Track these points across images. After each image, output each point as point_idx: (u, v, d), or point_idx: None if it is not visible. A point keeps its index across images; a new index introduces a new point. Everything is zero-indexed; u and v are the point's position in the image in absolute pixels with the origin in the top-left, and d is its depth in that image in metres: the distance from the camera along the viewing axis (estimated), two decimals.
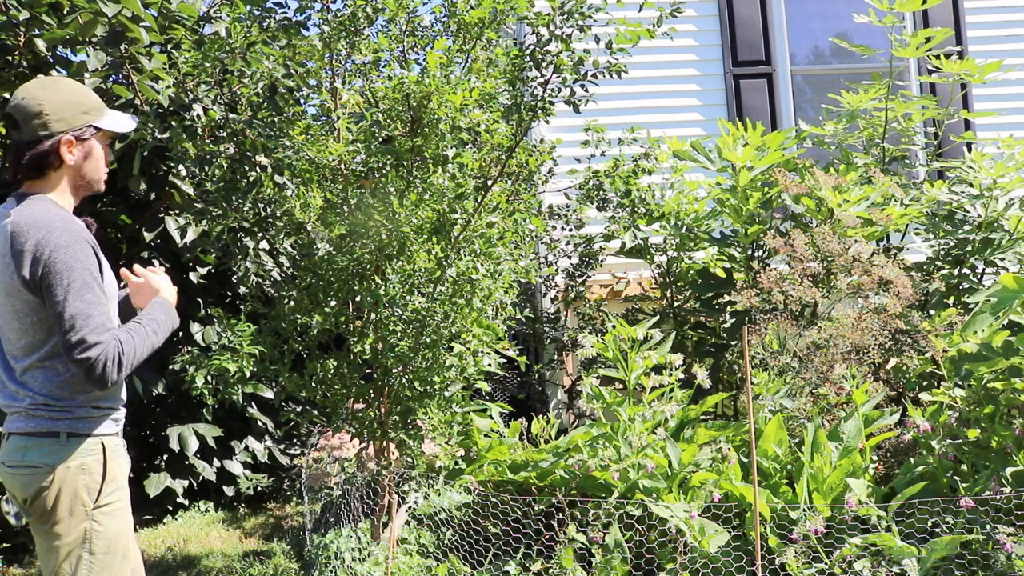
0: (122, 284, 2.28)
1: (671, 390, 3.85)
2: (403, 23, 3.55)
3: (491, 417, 4.39)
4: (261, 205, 3.68)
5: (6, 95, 4.09)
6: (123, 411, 2.14)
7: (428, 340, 3.46)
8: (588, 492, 3.59)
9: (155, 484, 4.83)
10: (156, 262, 2.40)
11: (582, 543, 3.35)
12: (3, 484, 2.03)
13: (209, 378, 3.42)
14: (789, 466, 3.48)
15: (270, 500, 5.39)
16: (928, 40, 4.86)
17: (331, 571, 3.51)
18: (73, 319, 1.89)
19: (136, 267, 2.28)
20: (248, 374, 3.36)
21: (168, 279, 2.29)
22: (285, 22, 3.52)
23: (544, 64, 3.46)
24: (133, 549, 2.14)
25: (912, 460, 3.45)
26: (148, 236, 4.68)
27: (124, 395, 2.16)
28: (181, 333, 4.94)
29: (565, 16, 3.43)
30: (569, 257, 5.73)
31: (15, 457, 1.96)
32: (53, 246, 1.90)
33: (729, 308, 4.69)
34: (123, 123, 2.16)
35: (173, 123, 3.74)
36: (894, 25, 4.94)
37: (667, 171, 5.55)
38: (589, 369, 5.00)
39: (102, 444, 2.01)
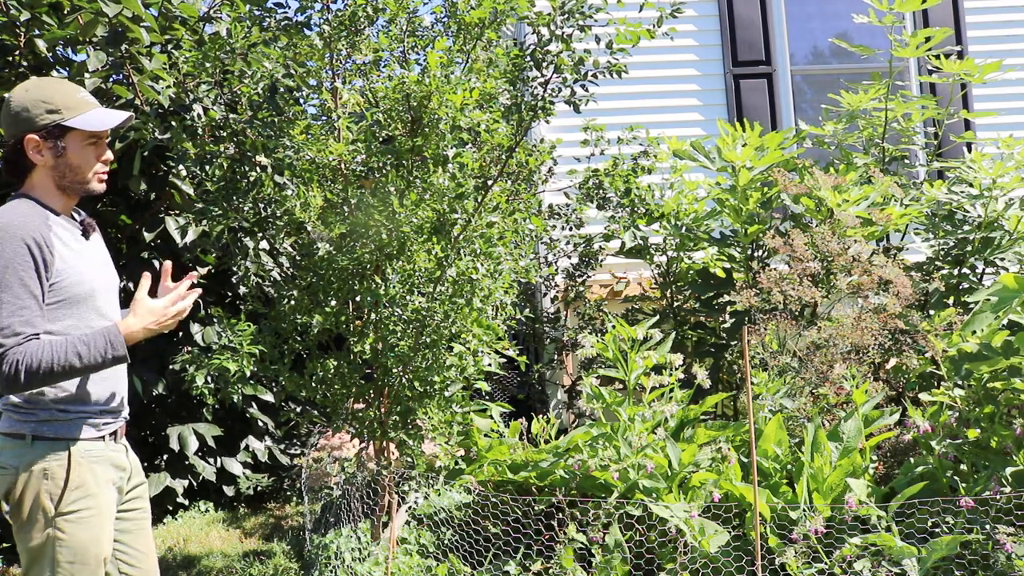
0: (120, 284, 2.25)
1: (671, 390, 3.85)
2: (403, 23, 3.54)
3: (491, 417, 4.38)
4: (261, 205, 3.68)
5: (6, 95, 4.08)
6: (111, 416, 2.08)
7: (428, 340, 3.46)
8: (588, 492, 3.59)
9: (155, 484, 4.83)
10: (194, 272, 2.27)
11: (582, 543, 3.35)
12: None
13: (209, 378, 3.41)
14: (789, 466, 3.48)
15: (270, 500, 5.39)
16: (928, 40, 4.86)
17: (331, 571, 3.51)
18: None
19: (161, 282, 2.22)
20: (248, 374, 3.36)
21: (150, 308, 2.02)
22: (285, 22, 3.52)
23: (544, 64, 3.46)
24: (144, 560, 2.13)
25: (912, 460, 3.45)
26: (148, 236, 4.68)
27: (116, 400, 2.10)
28: (181, 333, 4.94)
29: (566, 16, 3.43)
30: (569, 257, 5.73)
31: None
32: None
33: (729, 308, 4.69)
34: (98, 121, 2.03)
35: (173, 123, 3.74)
36: (894, 25, 4.94)
37: (667, 171, 5.55)
38: (589, 369, 5.00)
39: (68, 449, 1.96)
